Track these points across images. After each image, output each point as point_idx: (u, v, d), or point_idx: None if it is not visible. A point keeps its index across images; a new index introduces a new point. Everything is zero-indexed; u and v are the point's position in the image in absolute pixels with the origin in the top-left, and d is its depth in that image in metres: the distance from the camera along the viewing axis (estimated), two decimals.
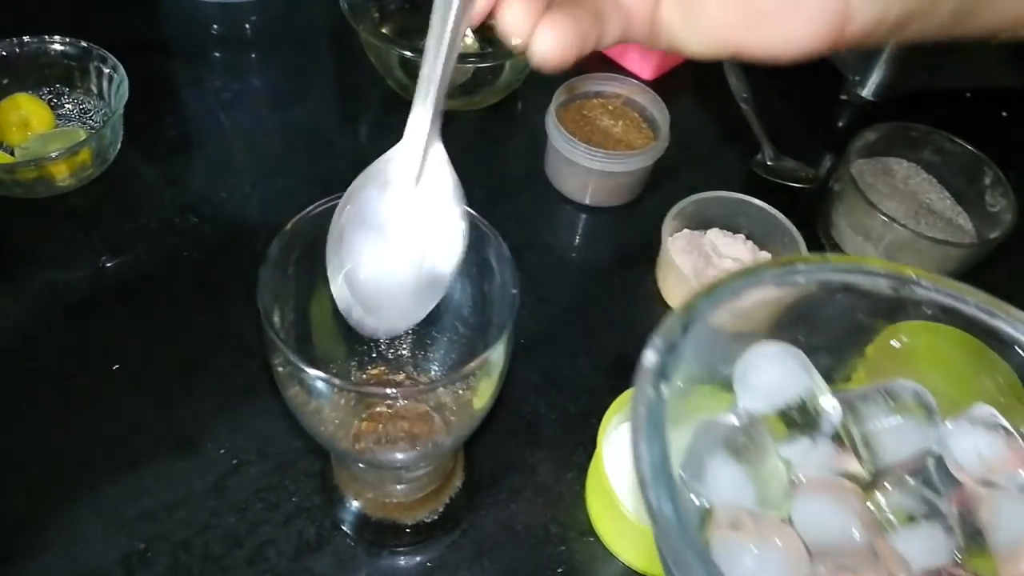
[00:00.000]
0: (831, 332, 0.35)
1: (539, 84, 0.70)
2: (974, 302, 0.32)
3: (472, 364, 0.33)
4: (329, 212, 0.35)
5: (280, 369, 0.35)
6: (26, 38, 0.62)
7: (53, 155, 0.56)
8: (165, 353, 0.53)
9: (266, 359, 0.52)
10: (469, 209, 0.35)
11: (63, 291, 0.56)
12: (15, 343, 0.53)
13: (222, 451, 0.49)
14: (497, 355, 0.35)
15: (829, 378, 0.35)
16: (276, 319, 0.36)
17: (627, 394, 0.47)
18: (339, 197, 0.36)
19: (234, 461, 0.49)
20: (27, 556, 0.45)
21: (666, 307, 0.59)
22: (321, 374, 0.32)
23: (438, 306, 0.43)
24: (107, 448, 0.49)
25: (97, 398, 0.51)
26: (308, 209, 0.36)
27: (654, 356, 0.29)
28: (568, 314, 0.58)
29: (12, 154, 0.60)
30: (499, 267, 0.37)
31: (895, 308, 0.34)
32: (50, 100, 0.63)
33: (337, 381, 0.33)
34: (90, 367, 0.52)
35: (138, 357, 0.53)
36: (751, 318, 0.34)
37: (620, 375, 0.55)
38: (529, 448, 0.51)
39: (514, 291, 0.35)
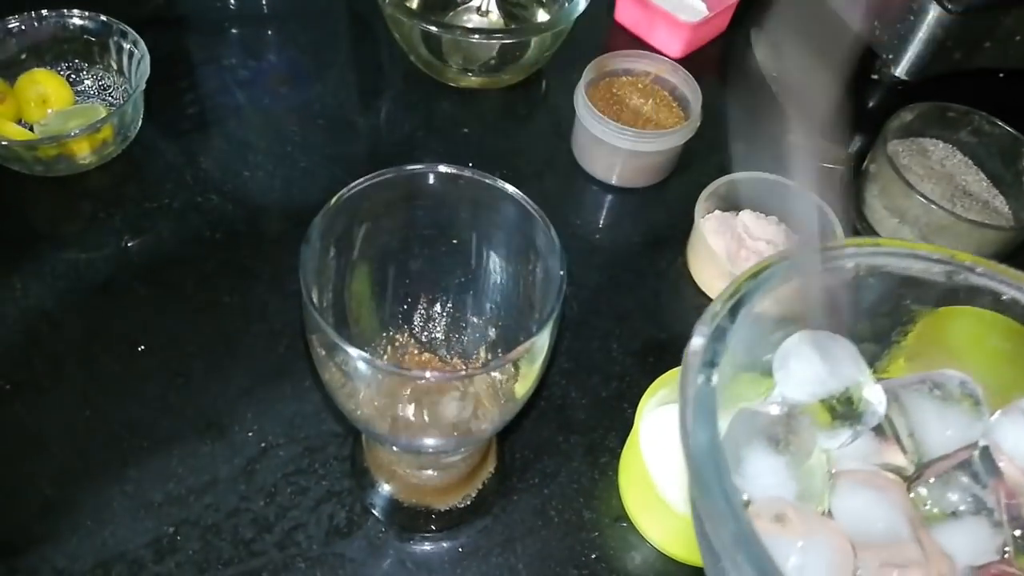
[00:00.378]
0: (877, 319, 0.34)
1: (566, 62, 0.68)
2: None
3: (519, 348, 0.32)
4: (369, 190, 0.34)
5: (320, 351, 0.34)
6: (44, 12, 0.60)
7: (74, 132, 0.54)
8: (190, 334, 0.52)
9: (293, 340, 0.52)
10: (515, 189, 0.34)
11: (86, 271, 0.55)
12: (39, 323, 0.52)
13: (250, 434, 0.48)
14: (543, 340, 0.34)
15: (872, 366, 0.34)
16: (315, 299, 0.35)
17: (663, 378, 0.46)
18: (379, 175, 0.34)
19: (262, 444, 0.48)
20: (54, 540, 0.44)
21: (697, 289, 0.58)
22: (364, 355, 0.31)
23: (474, 288, 0.43)
24: (133, 431, 0.48)
25: (122, 380, 0.50)
26: (351, 186, 0.35)
27: (702, 341, 0.28)
28: (597, 297, 0.57)
29: (32, 131, 0.59)
30: (545, 249, 0.36)
31: (946, 296, 0.33)
32: (69, 76, 0.62)
33: (380, 363, 0.32)
34: (115, 348, 0.51)
35: (163, 338, 0.52)
36: (796, 304, 0.32)
37: (651, 358, 0.54)
38: (561, 433, 0.50)
39: (561, 273, 0.34)
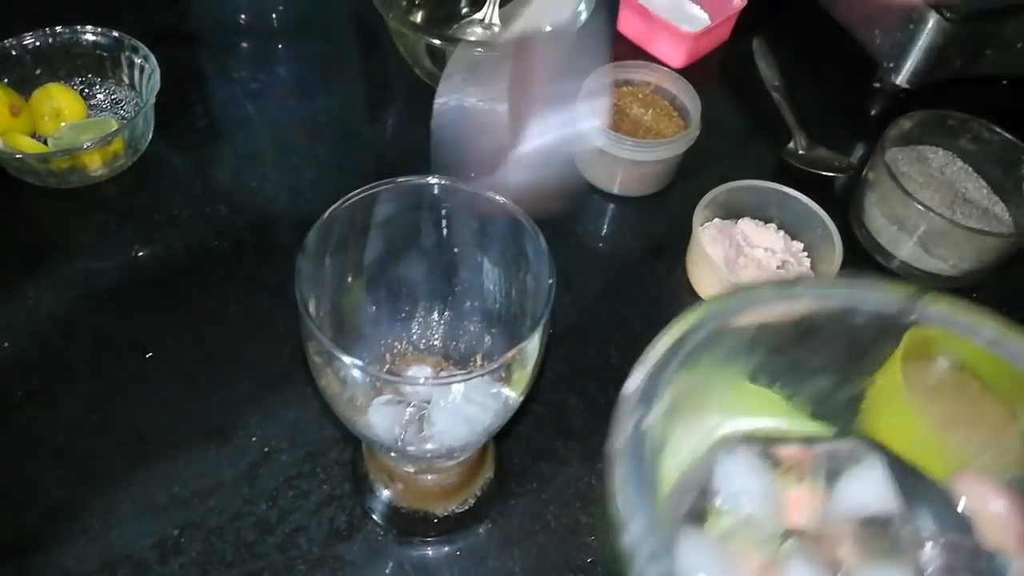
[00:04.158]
0: (833, 353, 0.34)
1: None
2: (988, 332, 0.30)
3: (508, 354, 0.33)
4: (364, 202, 0.35)
5: (316, 358, 0.35)
6: (58, 28, 0.62)
7: (86, 145, 0.56)
8: (197, 342, 0.53)
9: (297, 348, 0.53)
10: (506, 199, 0.35)
11: (96, 280, 0.56)
12: (50, 331, 0.53)
13: (253, 439, 0.49)
14: (533, 346, 0.34)
15: (824, 400, 0.34)
16: (312, 308, 0.36)
17: None
18: (372, 188, 0.35)
19: (265, 449, 0.49)
20: (62, 542, 0.45)
21: (696, 297, 0.58)
22: (358, 362, 0.32)
23: (470, 297, 0.44)
24: (140, 435, 0.49)
25: (130, 386, 0.51)
26: (344, 199, 0.36)
27: (638, 383, 0.29)
28: (597, 304, 0.58)
29: (45, 144, 0.61)
30: (535, 258, 0.36)
31: (901, 332, 0.33)
32: (82, 90, 0.64)
33: (373, 371, 0.33)
34: (123, 355, 0.53)
35: (170, 345, 0.53)
36: (749, 337, 0.33)
37: None
38: (559, 439, 0.51)
39: (550, 282, 0.34)
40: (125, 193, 0.61)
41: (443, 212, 0.38)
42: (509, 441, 0.50)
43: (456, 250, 0.41)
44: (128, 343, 0.53)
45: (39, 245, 0.58)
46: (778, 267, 0.57)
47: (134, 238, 0.58)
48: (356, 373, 0.34)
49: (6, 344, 0.52)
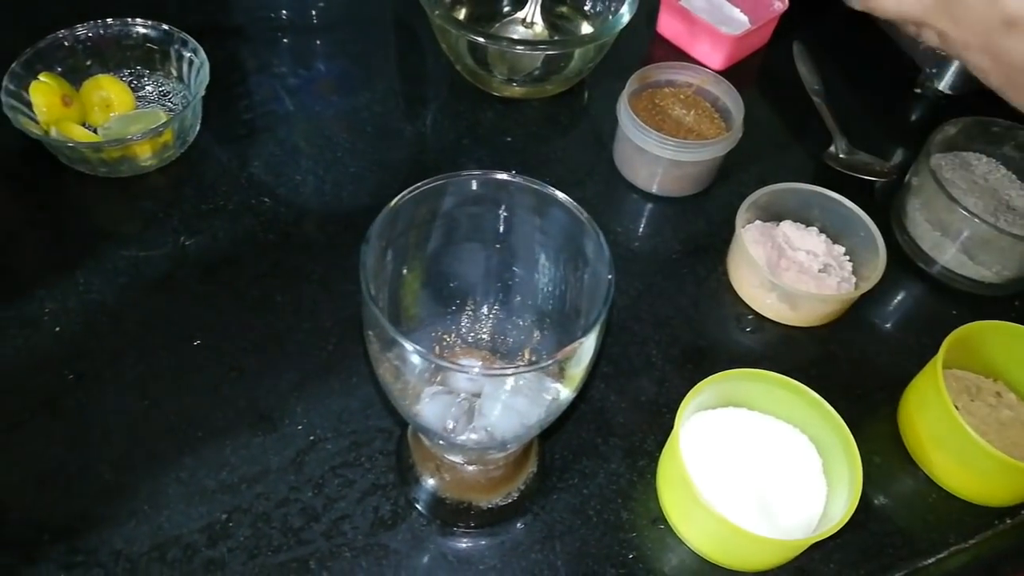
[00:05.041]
0: None
1: (607, 73, 0.70)
2: None
3: (567, 349, 0.33)
4: (428, 194, 0.35)
5: (376, 344, 0.36)
6: (109, 20, 0.63)
7: (138, 135, 0.57)
8: (243, 330, 0.54)
9: (341, 339, 0.54)
10: (566, 196, 0.35)
11: (145, 268, 0.57)
12: (100, 317, 0.54)
13: (299, 427, 0.50)
14: (590, 343, 0.35)
15: None
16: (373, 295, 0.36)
17: (702, 384, 0.47)
18: (437, 180, 0.36)
19: (311, 437, 0.50)
20: (113, 523, 0.46)
21: (736, 298, 0.58)
22: (419, 348, 0.33)
23: (521, 292, 0.44)
24: (188, 421, 0.50)
25: (178, 373, 0.52)
26: (410, 190, 0.36)
27: None
28: (638, 304, 0.58)
29: (95, 133, 0.62)
30: (594, 256, 0.37)
31: None
32: (131, 82, 0.65)
33: (432, 356, 0.34)
34: (171, 342, 0.53)
35: (217, 334, 0.54)
36: None
37: (690, 365, 0.55)
38: (600, 435, 0.51)
39: (609, 277, 0.35)
40: (173, 183, 0.62)
41: (504, 207, 0.39)
42: (552, 437, 0.51)
43: (513, 246, 0.41)
44: (175, 330, 0.54)
45: (89, 233, 0.59)
46: (820, 270, 0.57)
47: (181, 228, 0.59)
48: (416, 359, 0.34)
49: (57, 328, 0.53)
